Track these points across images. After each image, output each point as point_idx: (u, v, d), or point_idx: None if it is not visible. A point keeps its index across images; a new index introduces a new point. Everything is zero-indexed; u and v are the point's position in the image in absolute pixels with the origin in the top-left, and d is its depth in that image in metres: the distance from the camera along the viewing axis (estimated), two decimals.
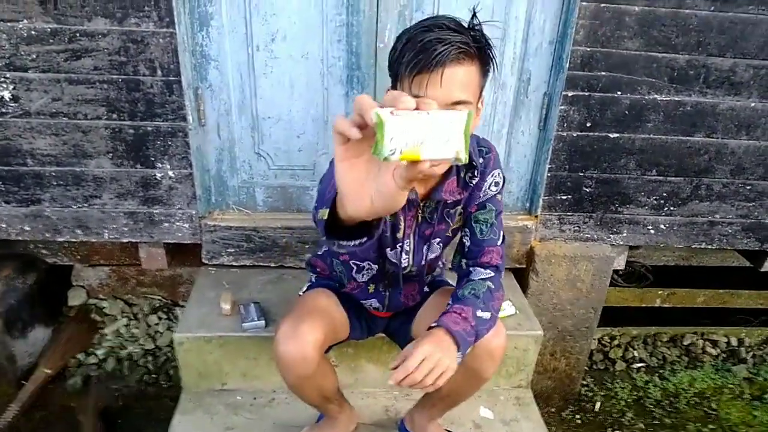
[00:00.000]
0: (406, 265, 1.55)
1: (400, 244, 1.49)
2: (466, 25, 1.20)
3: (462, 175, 1.43)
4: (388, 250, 1.51)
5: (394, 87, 1.27)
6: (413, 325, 1.67)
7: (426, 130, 0.63)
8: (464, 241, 1.51)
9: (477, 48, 1.19)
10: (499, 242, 1.50)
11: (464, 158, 0.65)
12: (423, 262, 1.56)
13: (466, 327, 1.31)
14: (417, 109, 0.64)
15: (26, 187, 1.97)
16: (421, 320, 1.64)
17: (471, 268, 1.49)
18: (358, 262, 1.57)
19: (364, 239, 0.90)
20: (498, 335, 1.45)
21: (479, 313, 1.36)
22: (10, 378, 2.22)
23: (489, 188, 1.47)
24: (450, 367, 1.23)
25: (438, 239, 1.54)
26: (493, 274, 1.47)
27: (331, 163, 1.36)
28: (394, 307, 1.68)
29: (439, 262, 1.75)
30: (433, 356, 1.21)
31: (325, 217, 0.90)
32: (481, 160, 1.43)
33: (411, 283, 1.64)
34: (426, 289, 1.71)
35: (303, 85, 1.98)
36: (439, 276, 1.77)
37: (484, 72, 1.25)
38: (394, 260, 1.53)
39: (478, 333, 1.35)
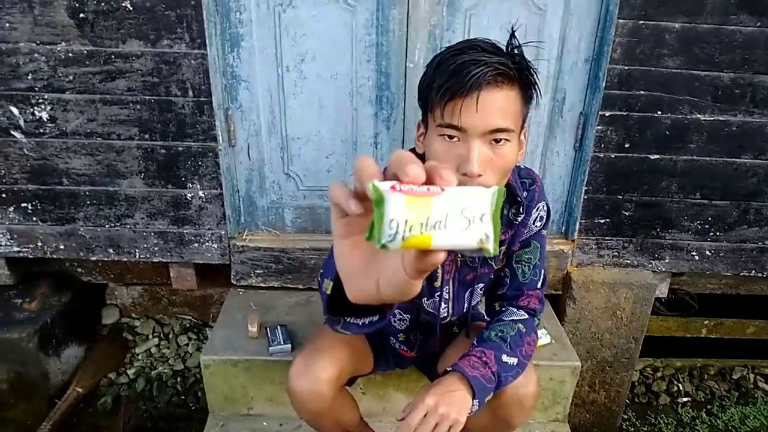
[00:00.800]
0: (445, 315, 1.43)
1: (438, 292, 1.37)
2: (503, 48, 1.10)
3: (506, 212, 1.31)
4: (424, 299, 1.40)
5: (424, 117, 1.17)
6: (439, 362, 1.60)
7: (440, 210, 0.47)
8: (503, 282, 1.40)
9: (517, 70, 1.08)
10: (540, 284, 1.40)
11: (492, 249, 0.49)
12: (465, 310, 1.45)
13: (485, 373, 1.22)
14: (429, 183, 0.48)
15: (61, 206, 2.01)
16: (446, 358, 1.56)
17: (504, 308, 1.39)
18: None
19: (376, 317, 0.73)
20: (528, 382, 1.35)
21: (504, 358, 1.26)
22: (43, 396, 2.24)
23: (533, 224, 1.35)
24: (458, 420, 1.15)
25: (481, 284, 1.42)
26: (527, 316, 1.37)
27: None
28: (424, 350, 1.60)
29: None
30: (436, 410, 1.14)
31: (329, 292, 0.74)
32: (525, 194, 1.30)
33: (450, 331, 1.54)
34: (455, 329, 1.61)
35: (332, 105, 1.97)
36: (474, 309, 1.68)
37: (527, 98, 1.13)
38: (431, 310, 1.42)
39: (501, 380, 1.25)
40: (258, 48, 1.89)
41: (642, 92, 1.91)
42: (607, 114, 1.93)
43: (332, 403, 1.38)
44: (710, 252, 2.16)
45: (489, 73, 1.03)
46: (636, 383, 2.58)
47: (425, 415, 1.14)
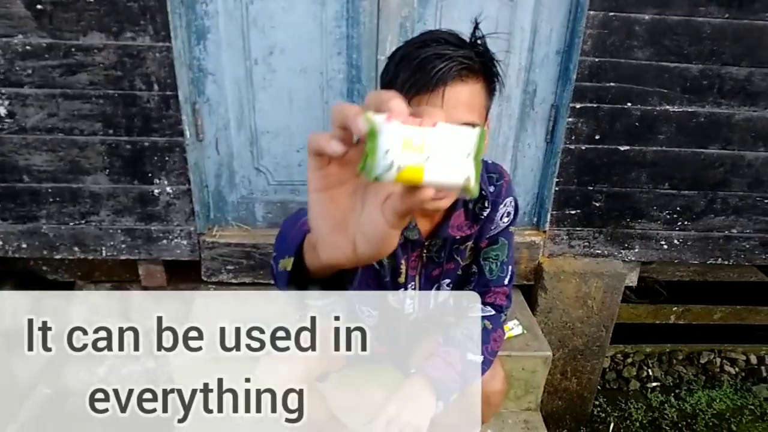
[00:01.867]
0: (411, 311, 1.41)
1: (403, 288, 1.34)
2: (467, 40, 1.07)
3: (471, 206, 1.26)
4: (389, 295, 1.37)
5: None
6: (413, 359, 1.59)
7: (432, 144, 0.46)
8: (470, 279, 1.38)
9: (481, 63, 1.05)
10: (507, 281, 1.38)
11: (474, 189, 0.49)
12: (432, 307, 1.43)
13: (450, 373, 1.22)
14: (415, 116, 0.48)
15: (22, 204, 1.94)
16: (419, 355, 1.55)
17: (471, 305, 1.38)
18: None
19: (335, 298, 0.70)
20: (495, 378, 1.36)
21: (470, 356, 1.26)
22: (10, 396, 2.19)
23: (501, 220, 1.32)
24: (420, 425, 1.15)
25: (448, 280, 1.38)
26: (493, 312, 1.35)
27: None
28: (396, 346, 1.59)
29: None
30: (399, 419, 1.14)
31: (289, 268, 0.70)
32: (491, 189, 1.27)
33: (422, 327, 1.52)
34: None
35: (302, 98, 1.94)
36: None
37: (490, 91, 1.10)
38: (396, 305, 1.39)
39: (467, 379, 1.25)
40: (225, 40, 1.84)
41: (612, 84, 1.91)
42: (577, 106, 1.93)
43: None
44: (678, 241, 2.19)
45: (454, 67, 1.00)
46: (607, 369, 2.63)
47: (388, 423, 1.14)
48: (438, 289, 1.38)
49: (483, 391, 1.33)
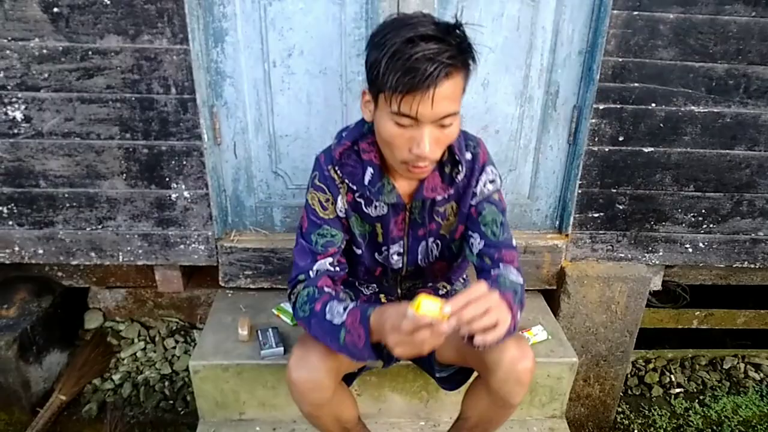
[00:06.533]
0: (400, 266, 1.53)
1: (386, 247, 1.48)
2: (446, 27, 1.14)
3: (447, 170, 1.37)
4: (376, 254, 1.51)
5: (373, 94, 1.20)
6: (437, 350, 1.57)
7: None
8: (475, 243, 1.41)
9: (461, 54, 1.14)
10: (514, 243, 1.42)
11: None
12: (420, 262, 1.52)
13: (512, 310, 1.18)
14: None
15: (39, 209, 1.93)
16: (444, 342, 1.54)
17: (501, 264, 1.36)
18: (360, 284, 1.62)
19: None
20: (524, 357, 1.33)
21: (514, 309, 1.20)
22: (25, 405, 2.16)
23: (485, 186, 1.41)
24: (504, 321, 1.06)
25: (432, 238, 1.48)
26: (521, 282, 1.33)
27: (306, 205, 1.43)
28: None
29: (459, 277, 1.69)
30: (491, 299, 1.04)
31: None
32: (468, 155, 1.38)
33: (423, 291, 1.56)
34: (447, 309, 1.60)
35: (321, 101, 1.91)
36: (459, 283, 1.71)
37: (467, 73, 1.19)
38: (383, 263, 1.53)
39: (515, 325, 1.20)
40: (243, 43, 1.82)
41: (636, 84, 1.88)
42: (601, 107, 1.90)
43: (332, 395, 1.38)
44: (704, 244, 2.15)
45: (442, 70, 1.09)
46: (629, 376, 2.58)
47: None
48: (425, 247, 1.49)
49: (513, 370, 1.31)
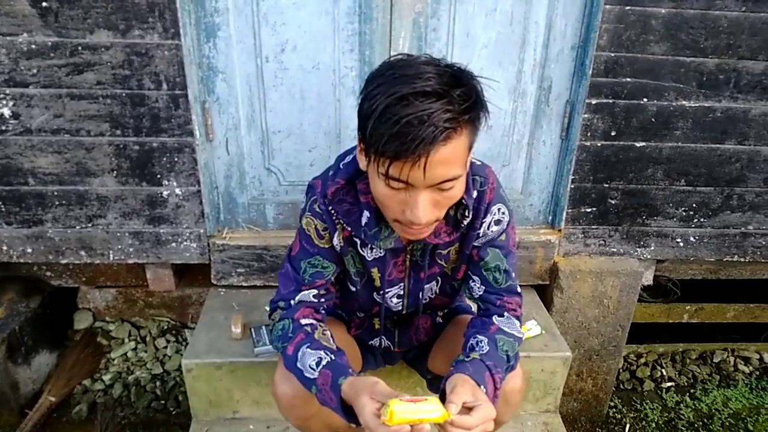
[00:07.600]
0: (399, 308, 1.44)
1: (383, 291, 1.38)
2: (451, 77, 0.97)
3: (453, 213, 1.24)
4: (374, 294, 1.41)
5: (365, 147, 1.04)
6: (429, 360, 1.58)
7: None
8: (475, 288, 1.36)
9: (466, 112, 0.97)
10: (518, 289, 1.37)
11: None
12: (420, 303, 1.44)
13: (492, 391, 1.17)
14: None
15: (27, 208, 1.89)
16: (437, 354, 1.54)
17: (505, 313, 1.33)
18: (352, 312, 1.54)
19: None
20: (514, 377, 1.32)
21: (503, 375, 1.22)
22: (13, 406, 2.13)
23: (489, 229, 1.28)
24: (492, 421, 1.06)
25: (433, 281, 1.41)
26: (521, 337, 1.32)
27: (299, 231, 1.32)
28: (405, 344, 1.58)
29: (456, 298, 1.60)
30: (489, 420, 1.04)
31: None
32: (474, 194, 1.22)
33: (420, 318, 1.52)
34: (439, 320, 1.59)
35: (314, 96, 1.90)
36: (457, 303, 1.63)
37: (475, 130, 1.03)
38: (382, 303, 1.43)
39: (496, 394, 1.19)
40: (235, 38, 1.80)
41: (628, 79, 1.89)
42: (593, 102, 1.91)
43: (319, 407, 1.28)
44: (695, 238, 2.17)
45: (438, 134, 0.93)
46: (621, 370, 2.59)
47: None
48: (423, 290, 1.41)
49: (502, 392, 1.25)
